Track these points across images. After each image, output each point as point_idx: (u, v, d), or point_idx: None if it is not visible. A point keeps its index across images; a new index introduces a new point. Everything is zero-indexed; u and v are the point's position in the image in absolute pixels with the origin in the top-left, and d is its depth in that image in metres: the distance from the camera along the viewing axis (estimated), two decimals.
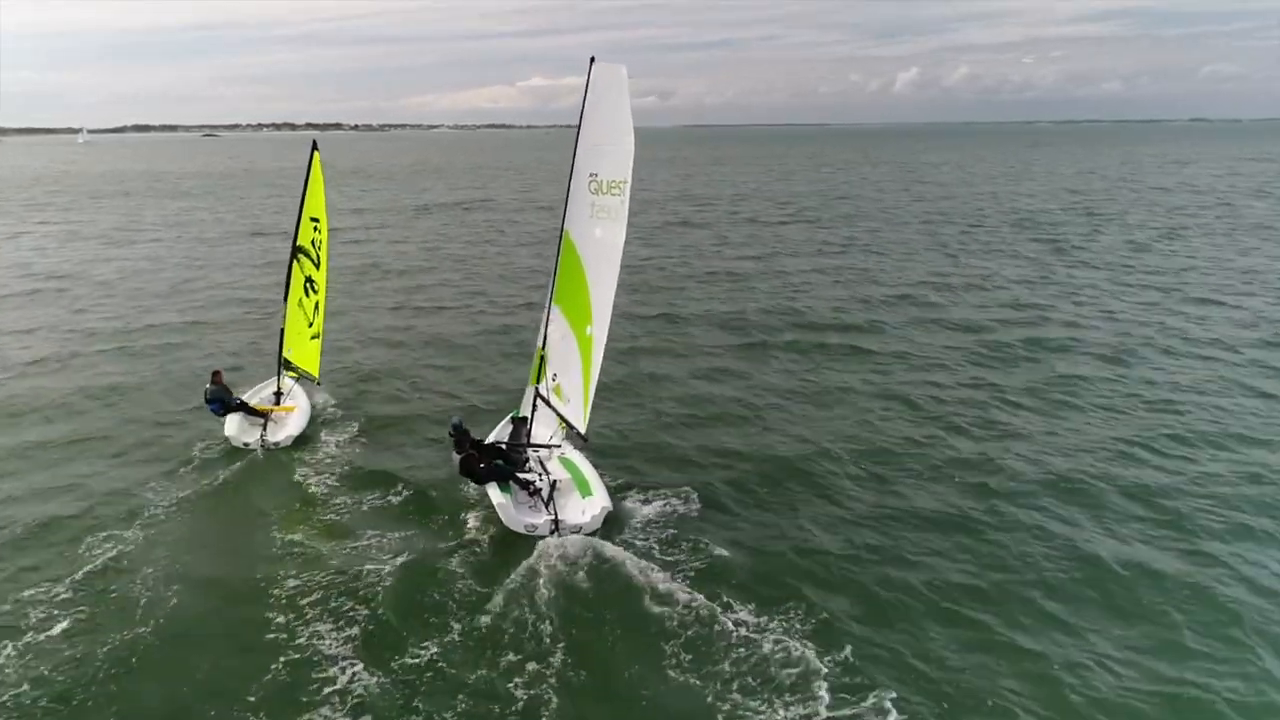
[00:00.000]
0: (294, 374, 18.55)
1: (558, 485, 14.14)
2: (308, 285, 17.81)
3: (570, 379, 14.36)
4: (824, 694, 9.76)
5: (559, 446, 15.37)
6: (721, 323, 27.69)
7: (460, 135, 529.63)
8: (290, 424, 17.46)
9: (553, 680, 10.15)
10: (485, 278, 37.02)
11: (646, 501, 14.61)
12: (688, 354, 24.04)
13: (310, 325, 18.02)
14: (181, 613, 11.50)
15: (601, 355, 13.52)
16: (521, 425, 15.64)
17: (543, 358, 14.99)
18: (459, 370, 23.11)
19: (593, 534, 13.29)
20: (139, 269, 38.14)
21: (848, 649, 10.57)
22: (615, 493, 14.40)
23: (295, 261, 17.71)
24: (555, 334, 14.62)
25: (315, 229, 17.51)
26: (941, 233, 48.55)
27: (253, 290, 33.17)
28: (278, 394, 18.46)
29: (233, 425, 17.09)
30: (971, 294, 31.95)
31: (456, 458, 14.20)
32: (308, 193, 17.28)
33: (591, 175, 13.27)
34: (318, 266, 17.75)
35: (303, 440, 17.26)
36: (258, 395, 18.71)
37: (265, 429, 17.04)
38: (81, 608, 11.50)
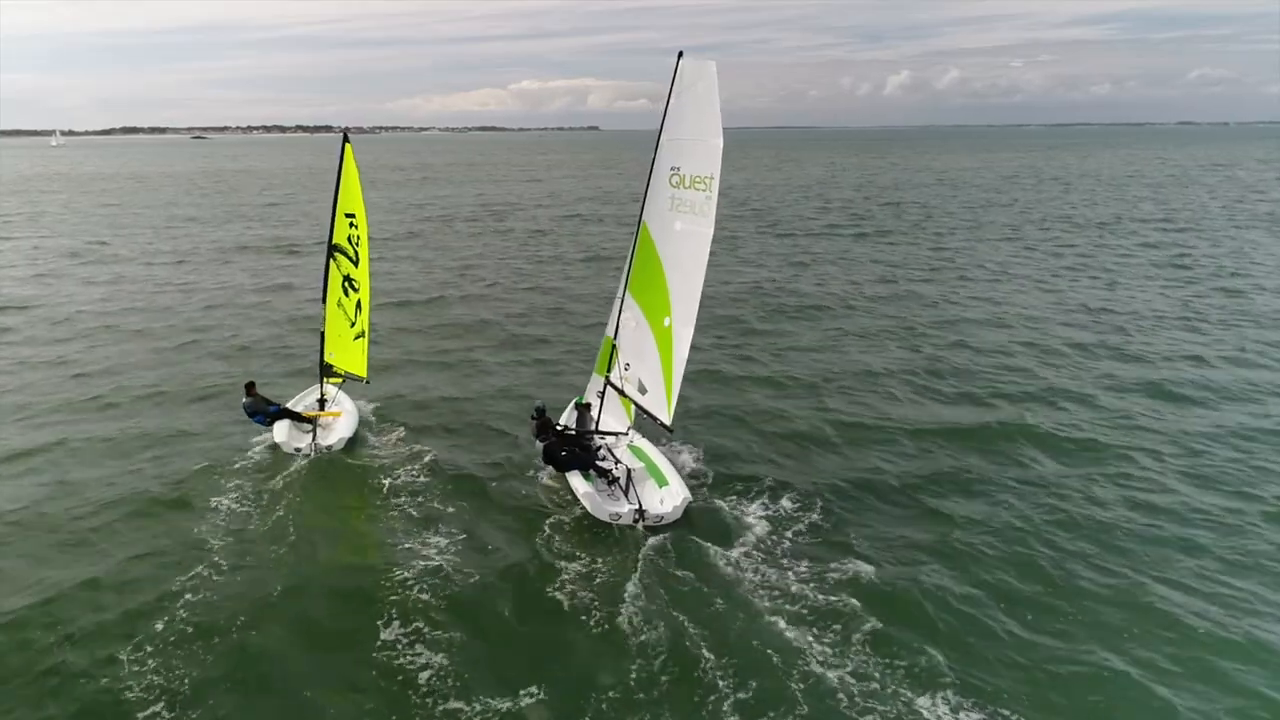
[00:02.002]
0: (336, 380, 17.96)
1: (633, 474, 14.23)
2: (346, 284, 17.10)
3: (646, 369, 14.38)
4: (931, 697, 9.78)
5: (626, 434, 15.45)
6: (821, 340, 26.26)
7: (451, 138, 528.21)
8: (340, 427, 17.16)
9: (667, 678, 10.13)
10: (533, 272, 37.17)
11: (729, 495, 14.63)
12: (763, 359, 23.79)
13: (353, 325, 17.36)
14: (272, 619, 11.33)
15: (687, 349, 13.45)
16: (587, 411, 15.67)
17: (614, 347, 14.98)
18: (508, 366, 23.10)
19: (674, 524, 13.37)
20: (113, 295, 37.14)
21: (952, 658, 10.49)
22: (689, 481, 14.50)
23: (332, 260, 16.98)
24: (629, 323, 14.64)
25: (351, 225, 16.71)
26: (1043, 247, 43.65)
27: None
28: (321, 401, 18.00)
29: (282, 432, 16.69)
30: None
31: (540, 444, 14.21)
32: (341, 188, 16.49)
33: (673, 169, 13.30)
34: (356, 264, 16.92)
35: (354, 443, 17.00)
36: (302, 403, 18.37)
37: (315, 433, 16.73)
38: (173, 622, 11.23)
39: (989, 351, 24.35)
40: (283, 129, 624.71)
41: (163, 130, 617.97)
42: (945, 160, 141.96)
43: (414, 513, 14.23)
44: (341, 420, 17.49)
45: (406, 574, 12.25)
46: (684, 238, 13.23)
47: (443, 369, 22.88)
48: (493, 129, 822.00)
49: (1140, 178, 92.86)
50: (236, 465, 16.05)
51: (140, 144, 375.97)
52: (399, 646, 10.68)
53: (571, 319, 28.81)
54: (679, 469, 14.83)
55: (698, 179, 12.84)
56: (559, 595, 11.78)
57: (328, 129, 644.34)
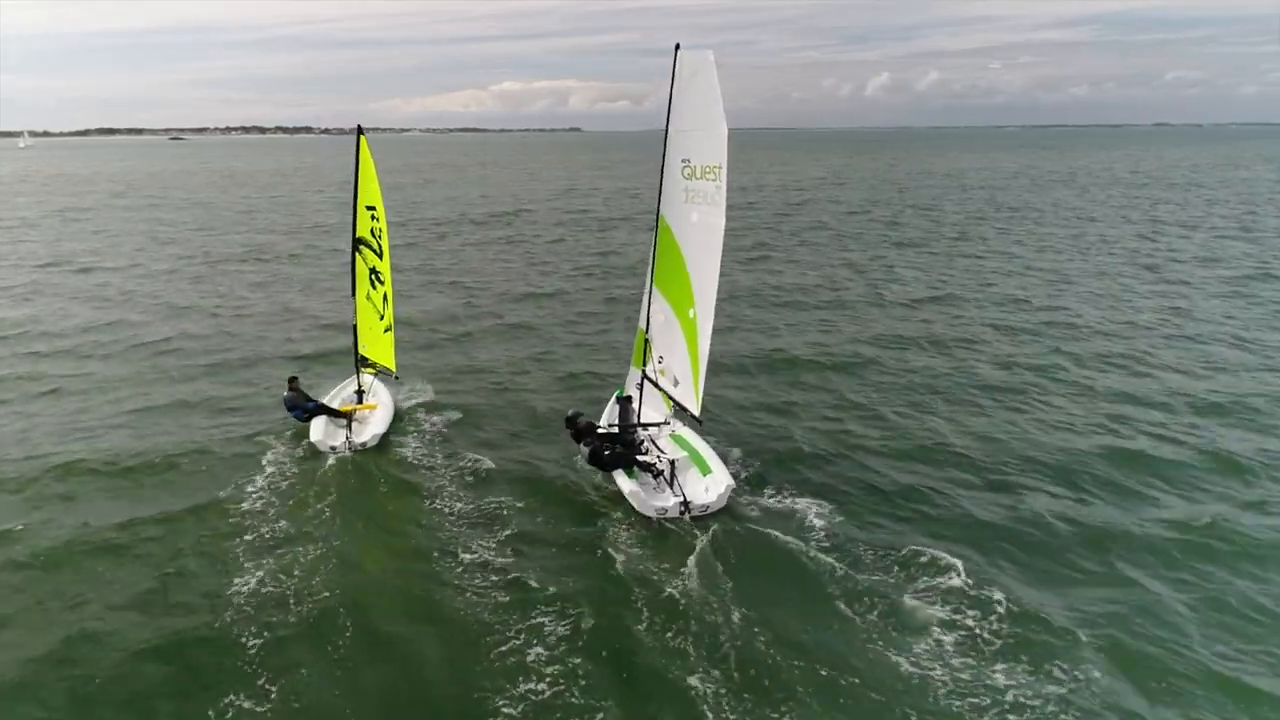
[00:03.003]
0: (372, 370, 18.26)
1: (676, 464, 14.48)
2: (373, 277, 17.41)
3: (676, 361, 14.67)
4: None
5: (668, 424, 15.78)
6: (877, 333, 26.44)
7: (432, 139, 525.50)
8: (375, 424, 17.31)
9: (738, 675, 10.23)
10: (558, 270, 37.58)
11: (774, 481, 14.96)
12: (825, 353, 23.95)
13: (381, 318, 17.66)
14: (327, 622, 11.31)
15: (708, 339, 13.71)
16: (628, 404, 15.88)
17: (647, 340, 15.31)
18: (540, 360, 23.36)
19: (719, 512, 13.65)
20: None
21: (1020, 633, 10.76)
22: (732, 468, 14.79)
23: (357, 253, 17.19)
24: (658, 317, 14.94)
25: (373, 217, 16.92)
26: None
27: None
28: (359, 392, 18.26)
29: (318, 430, 16.81)
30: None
31: (585, 449, 14.39)
32: (360, 181, 16.64)
33: (684, 161, 13.59)
34: (380, 256, 17.18)
35: (389, 439, 17.14)
36: (339, 396, 18.63)
37: (350, 430, 16.91)
38: (214, 624, 11.27)
39: (1043, 335, 25.25)
40: (262, 130, 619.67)
41: (140, 131, 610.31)
42: (965, 160, 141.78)
43: (455, 512, 14.27)
44: (377, 416, 17.67)
45: (454, 575, 12.27)
46: (700, 229, 13.50)
47: (476, 363, 23.08)
48: (474, 130, 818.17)
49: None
50: (274, 463, 16.19)
51: (116, 145, 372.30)
52: (455, 646, 10.70)
53: (603, 311, 29.35)
54: (723, 456, 15.02)
55: (707, 169, 13.08)
56: (615, 591, 11.85)
57: (308, 130, 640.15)
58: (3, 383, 21.18)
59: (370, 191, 16.75)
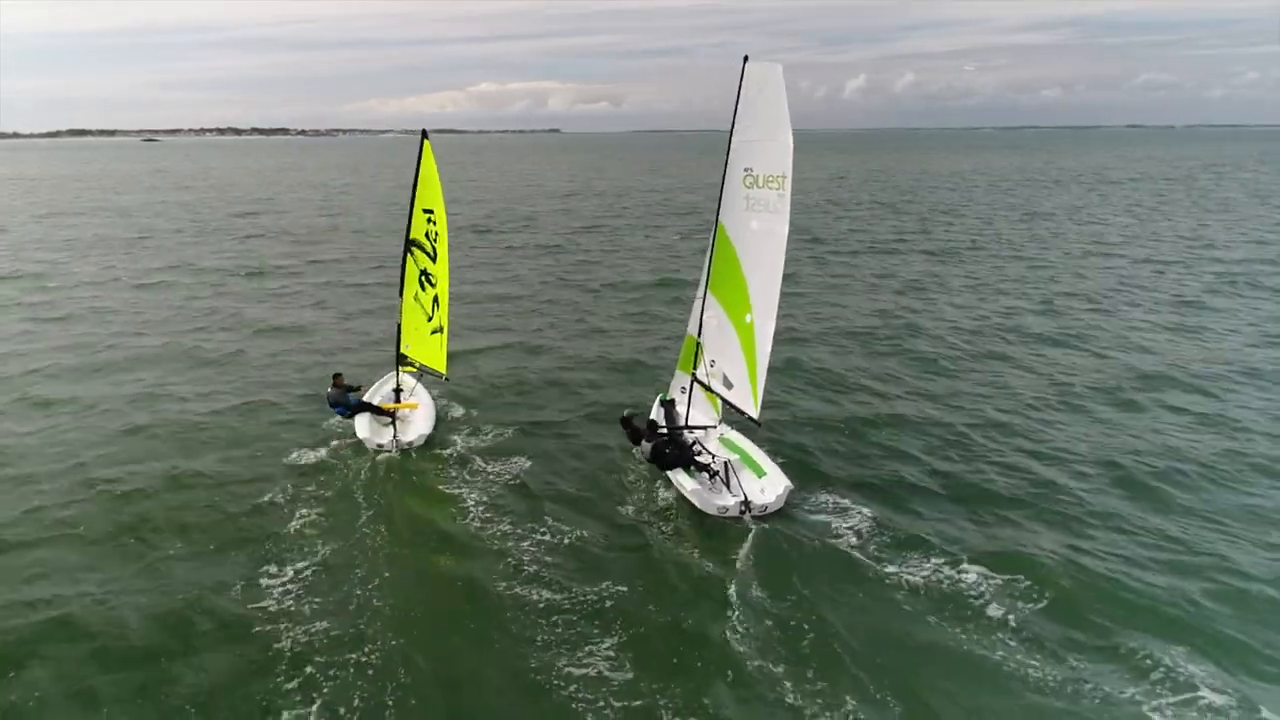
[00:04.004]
0: (411, 369, 18.51)
1: (730, 465, 14.89)
2: (423, 278, 17.52)
3: (731, 365, 15.12)
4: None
5: (715, 427, 16.18)
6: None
7: (411, 140, 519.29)
8: (420, 423, 17.64)
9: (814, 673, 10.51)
10: (599, 270, 37.96)
11: (831, 484, 15.32)
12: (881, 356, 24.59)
13: (430, 320, 17.73)
14: (382, 622, 11.48)
15: (769, 344, 14.21)
16: (673, 407, 16.24)
17: (699, 344, 15.72)
18: (586, 362, 23.71)
19: (777, 512, 14.05)
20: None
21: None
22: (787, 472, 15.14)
23: (409, 254, 17.42)
24: (711, 321, 15.38)
25: (430, 221, 17.04)
26: None
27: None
28: (397, 390, 18.56)
29: (364, 427, 17.19)
30: None
31: (646, 446, 14.74)
32: (420, 184, 16.83)
33: (746, 170, 14.13)
34: (434, 259, 17.24)
35: (434, 439, 17.39)
36: (378, 393, 18.91)
37: (396, 429, 17.21)
38: (298, 618, 11.53)
39: (1087, 339, 25.94)
40: (238, 131, 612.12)
41: (112, 132, 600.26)
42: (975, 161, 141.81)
43: (502, 511, 14.45)
44: (420, 416, 17.97)
45: (505, 574, 12.45)
46: (760, 236, 14.02)
47: (519, 364, 23.39)
48: (452, 131, 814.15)
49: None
50: (321, 460, 16.58)
51: (87, 146, 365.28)
52: (521, 650, 10.83)
53: (647, 315, 29.72)
54: (775, 459, 15.42)
55: (770, 178, 13.65)
56: (678, 594, 12.05)
57: (284, 131, 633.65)
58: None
59: (430, 195, 16.98)
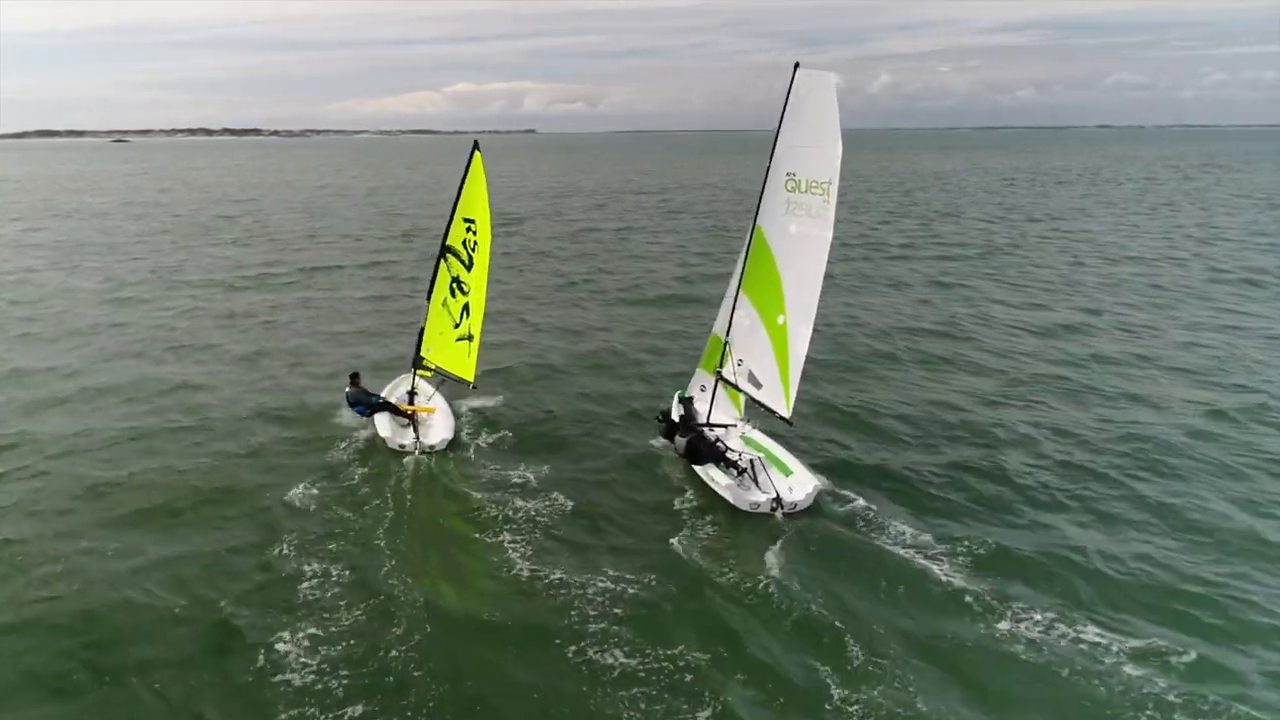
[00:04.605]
0: (426, 373, 18.51)
1: (755, 463, 15.11)
2: (455, 285, 17.52)
3: (761, 365, 15.37)
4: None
5: (736, 426, 16.38)
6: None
7: (386, 141, 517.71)
8: (441, 427, 17.70)
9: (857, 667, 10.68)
10: (622, 272, 37.73)
11: (860, 483, 15.53)
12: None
13: (457, 326, 17.72)
14: (423, 624, 11.44)
15: (805, 345, 14.45)
16: (691, 405, 16.46)
17: (726, 343, 15.92)
18: (602, 363, 23.76)
19: (806, 510, 14.25)
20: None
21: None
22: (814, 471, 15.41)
23: (443, 260, 17.45)
24: (742, 321, 15.61)
25: (469, 229, 17.10)
26: None
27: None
28: (411, 393, 18.54)
29: (385, 426, 17.28)
30: None
31: (681, 440, 14.95)
32: (464, 193, 16.90)
33: (789, 174, 14.37)
34: (469, 268, 17.29)
35: (455, 443, 17.39)
36: (393, 395, 18.89)
37: (418, 431, 17.27)
38: (343, 617, 11.52)
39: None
40: (209, 132, 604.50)
41: (81, 133, 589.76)
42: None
43: (527, 513, 14.50)
44: (441, 420, 18.01)
45: (552, 578, 12.43)
46: (799, 240, 14.28)
47: (541, 367, 23.38)
48: (428, 132, 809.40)
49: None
50: (344, 460, 16.61)
51: (49, 147, 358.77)
52: (560, 654, 10.81)
53: (665, 316, 29.78)
54: (801, 459, 15.67)
55: (814, 184, 13.91)
56: (717, 593, 12.18)
57: (256, 132, 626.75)
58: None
59: (473, 205, 16.97)
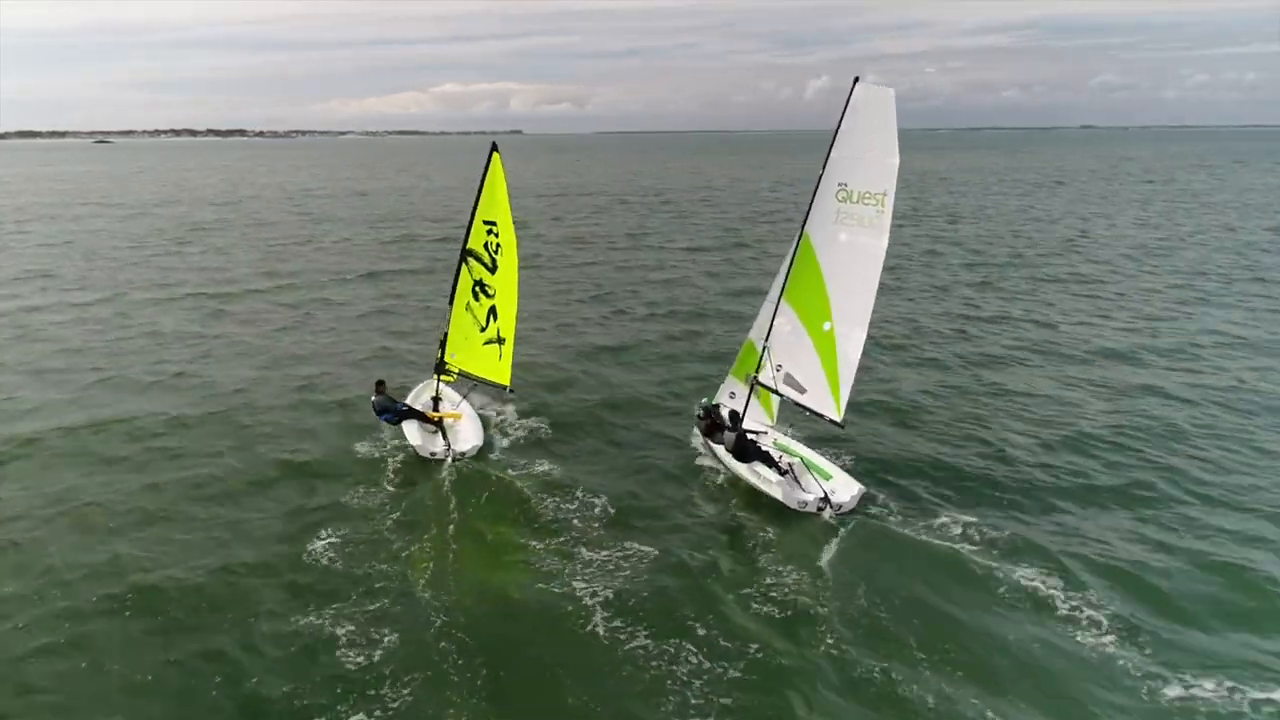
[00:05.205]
0: (449, 378, 18.33)
1: (794, 467, 15.31)
2: (478, 289, 17.38)
3: (804, 370, 15.49)
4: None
5: (765, 432, 16.53)
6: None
7: (372, 142, 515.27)
8: (471, 433, 17.55)
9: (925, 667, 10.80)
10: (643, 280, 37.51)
11: (901, 483, 15.68)
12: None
13: (483, 330, 17.59)
14: (472, 631, 11.44)
15: (858, 351, 14.60)
16: (718, 412, 16.63)
17: (765, 349, 15.99)
18: (631, 366, 23.83)
19: (852, 512, 14.39)
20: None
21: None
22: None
23: (464, 264, 17.27)
24: (783, 327, 15.69)
25: (490, 232, 16.91)
26: None
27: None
28: (435, 399, 18.35)
29: (415, 434, 17.08)
30: None
31: (730, 437, 15.09)
32: (484, 195, 16.71)
33: (840, 184, 14.49)
34: (492, 270, 17.11)
35: (486, 449, 17.30)
36: (417, 401, 18.71)
37: (447, 438, 17.11)
38: (385, 629, 11.46)
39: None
40: (193, 132, 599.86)
41: (62, 134, 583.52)
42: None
43: (578, 518, 14.48)
44: (470, 426, 17.85)
45: (598, 585, 12.39)
46: (849, 248, 14.41)
47: (568, 369, 23.40)
48: (414, 133, 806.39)
49: None
50: (377, 469, 16.48)
51: (34, 148, 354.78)
52: (607, 660, 10.81)
53: (692, 321, 29.67)
54: (836, 462, 15.89)
55: (867, 195, 14.06)
56: (773, 592, 12.28)
57: (241, 133, 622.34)
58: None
59: (494, 208, 16.79)
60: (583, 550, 13.41)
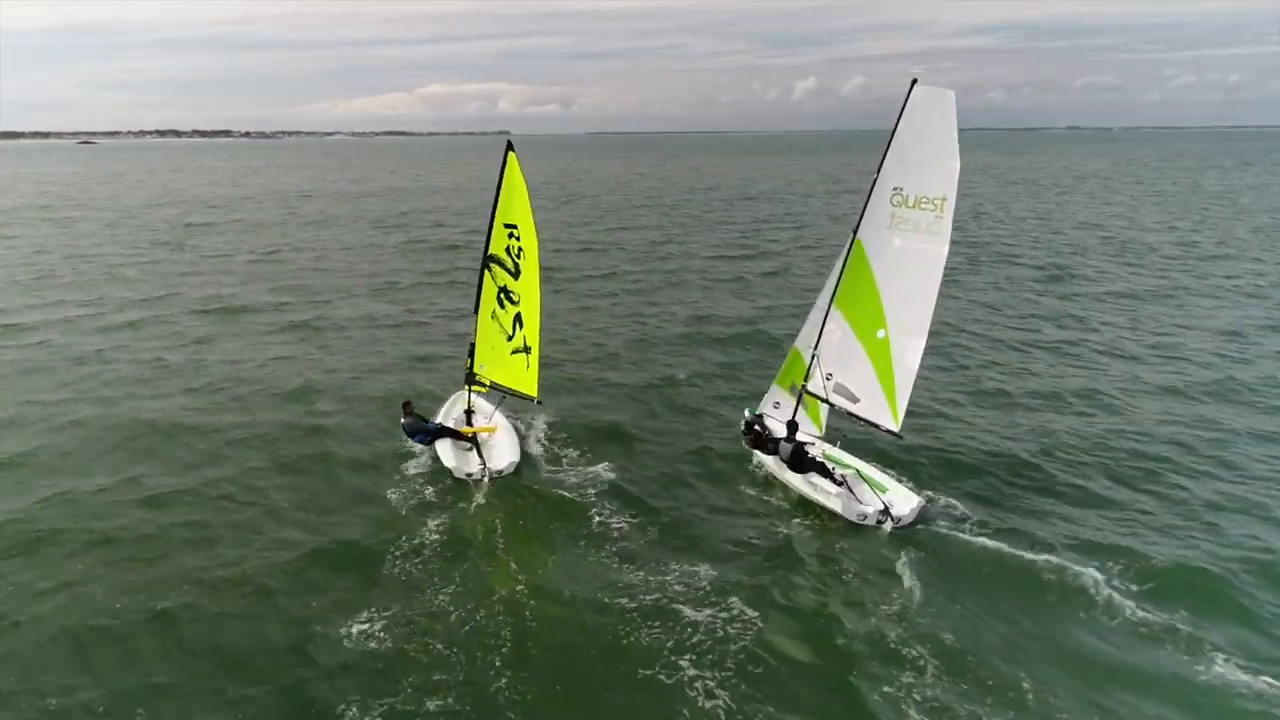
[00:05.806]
0: (480, 389, 17.65)
1: (848, 479, 14.85)
2: (503, 295, 16.65)
3: (856, 379, 15.02)
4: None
5: (814, 444, 16.01)
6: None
7: (359, 142, 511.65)
8: (507, 449, 16.85)
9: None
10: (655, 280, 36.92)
11: (961, 497, 15.20)
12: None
13: (510, 339, 16.85)
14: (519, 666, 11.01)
15: (917, 359, 14.12)
16: (762, 422, 16.25)
17: (814, 357, 15.54)
18: (669, 379, 23.01)
19: (910, 524, 13.94)
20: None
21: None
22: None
23: (487, 271, 16.60)
24: (833, 335, 15.22)
25: (511, 236, 16.15)
26: None
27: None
28: (469, 412, 17.69)
29: (449, 455, 16.35)
30: None
31: (787, 447, 14.74)
32: (502, 198, 15.96)
33: (895, 189, 14.00)
34: (516, 276, 16.36)
35: (523, 465, 16.61)
36: (449, 416, 18.04)
37: (482, 455, 16.42)
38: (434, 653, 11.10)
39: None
40: (179, 133, 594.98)
41: (45, 134, 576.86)
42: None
43: (627, 538, 13.95)
44: (505, 440, 17.19)
45: (654, 606, 12.00)
46: (905, 254, 13.93)
47: (601, 377, 22.85)
48: (402, 134, 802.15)
49: None
50: (414, 493, 15.67)
51: (16, 149, 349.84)
52: (665, 684, 10.53)
53: (726, 326, 28.95)
54: (893, 476, 15.45)
55: (924, 199, 13.60)
56: (833, 615, 11.95)
57: (226, 133, 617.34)
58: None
59: (514, 210, 16.03)
60: (637, 573, 12.86)
